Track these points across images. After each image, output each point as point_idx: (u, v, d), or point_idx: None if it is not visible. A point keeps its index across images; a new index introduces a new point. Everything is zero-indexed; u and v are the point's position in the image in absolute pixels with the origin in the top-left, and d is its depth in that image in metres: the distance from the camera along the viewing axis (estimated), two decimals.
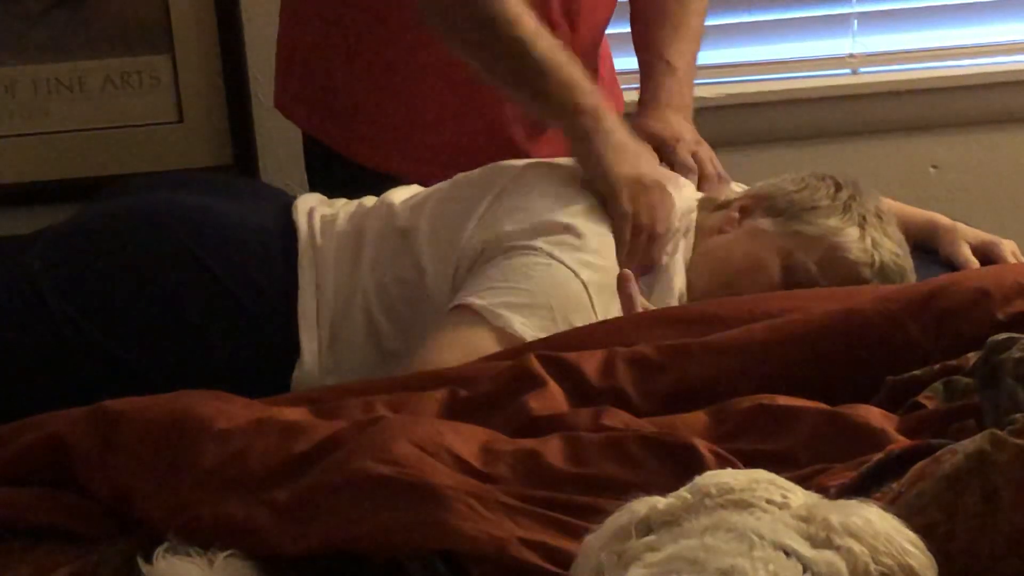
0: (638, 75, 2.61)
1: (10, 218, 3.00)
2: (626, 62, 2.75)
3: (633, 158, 2.26)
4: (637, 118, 2.54)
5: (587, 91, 2.28)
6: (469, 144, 2.50)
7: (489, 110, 2.45)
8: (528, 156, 2.43)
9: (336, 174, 2.54)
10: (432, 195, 2.28)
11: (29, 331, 2.16)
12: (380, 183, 2.37)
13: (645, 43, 2.61)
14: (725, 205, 2.32)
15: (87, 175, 3.09)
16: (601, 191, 2.23)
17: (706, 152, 2.47)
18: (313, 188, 2.54)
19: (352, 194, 2.35)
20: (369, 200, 2.31)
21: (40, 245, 2.25)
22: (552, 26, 2.43)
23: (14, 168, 3.14)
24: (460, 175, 2.31)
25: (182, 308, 2.17)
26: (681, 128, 2.49)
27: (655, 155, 2.35)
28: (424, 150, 2.53)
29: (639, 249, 2.22)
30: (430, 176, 2.38)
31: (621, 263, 2.19)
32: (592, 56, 2.60)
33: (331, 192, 2.38)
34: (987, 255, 2.44)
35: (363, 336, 2.18)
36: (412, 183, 2.37)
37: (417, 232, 2.21)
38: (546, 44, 2.29)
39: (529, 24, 2.29)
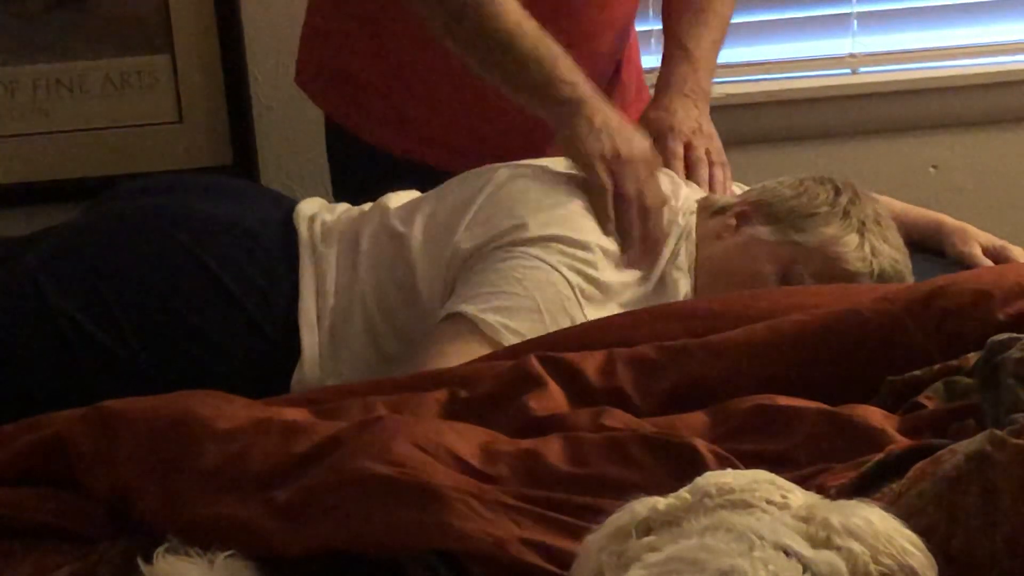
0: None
1: (10, 218, 3.00)
2: (647, 60, 2.76)
3: (614, 136, 2.25)
4: (647, 107, 2.54)
5: (568, 79, 2.28)
6: (485, 129, 2.51)
7: (501, 106, 2.45)
8: (542, 143, 2.43)
9: (354, 157, 2.55)
10: (425, 200, 2.28)
11: (30, 331, 2.16)
12: (397, 166, 2.38)
13: (669, 32, 2.61)
14: (722, 210, 2.30)
15: (87, 175, 3.10)
16: (582, 170, 2.24)
17: (701, 141, 2.45)
18: (333, 171, 2.53)
19: (369, 176, 2.36)
20: (368, 206, 2.32)
21: (42, 246, 2.25)
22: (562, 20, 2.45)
23: (14, 168, 3.14)
24: (451, 179, 2.31)
25: (184, 310, 2.17)
26: (684, 116, 2.47)
27: (647, 138, 2.33)
28: (441, 134, 2.54)
29: (632, 224, 2.21)
30: (446, 161, 2.39)
31: (624, 246, 2.19)
32: (613, 51, 2.60)
33: (349, 175, 2.38)
34: (997, 259, 2.43)
35: (363, 339, 2.18)
36: (428, 167, 2.38)
37: (410, 237, 2.21)
38: (529, 32, 2.28)
39: (512, 14, 2.29)
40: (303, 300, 2.19)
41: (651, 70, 2.77)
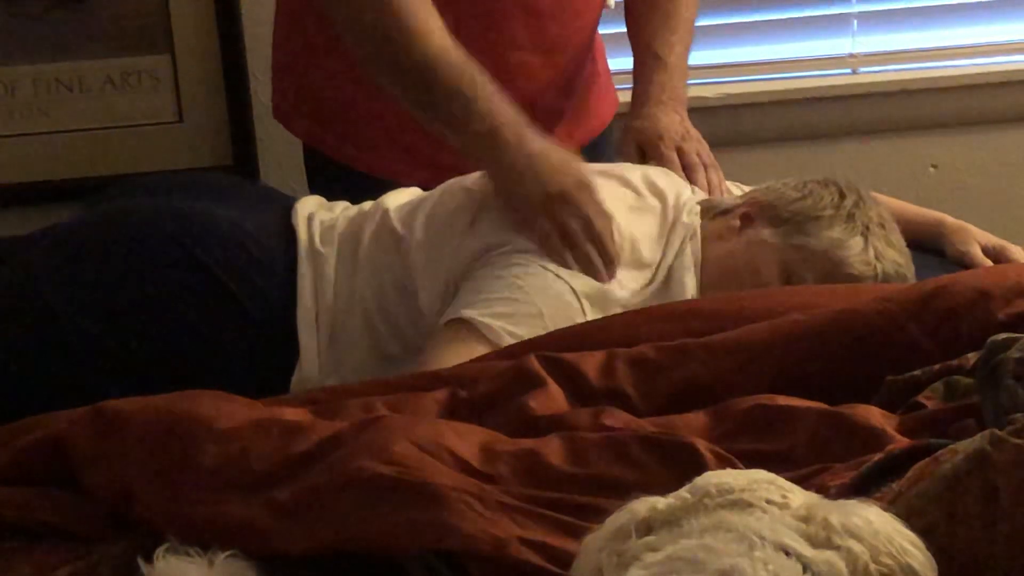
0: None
1: (10, 218, 3.00)
2: (621, 62, 2.75)
3: (539, 172, 2.19)
4: (627, 117, 2.54)
5: (486, 110, 2.21)
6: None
7: None
8: None
9: (337, 183, 2.54)
10: (425, 201, 2.28)
11: (30, 331, 2.16)
12: (381, 189, 2.37)
13: (636, 36, 2.61)
14: (726, 212, 2.30)
15: (87, 175, 3.09)
16: (518, 220, 2.18)
17: (692, 145, 2.45)
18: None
19: (354, 201, 2.35)
20: (368, 205, 2.31)
21: (42, 246, 2.25)
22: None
23: (14, 168, 3.14)
24: (452, 180, 2.31)
25: (183, 310, 2.17)
26: (668, 123, 2.48)
27: (574, 157, 2.28)
28: (423, 155, 2.52)
29: (588, 255, 2.16)
30: (429, 181, 2.37)
31: (587, 273, 2.16)
32: (584, 55, 2.60)
33: (332, 200, 2.37)
34: (997, 259, 2.43)
35: (362, 339, 2.19)
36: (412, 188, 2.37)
37: (410, 240, 2.21)
38: (452, 62, 2.22)
39: (433, 45, 2.22)
40: (301, 300, 2.19)
41: (617, 72, 2.77)
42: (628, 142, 2.49)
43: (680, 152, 2.44)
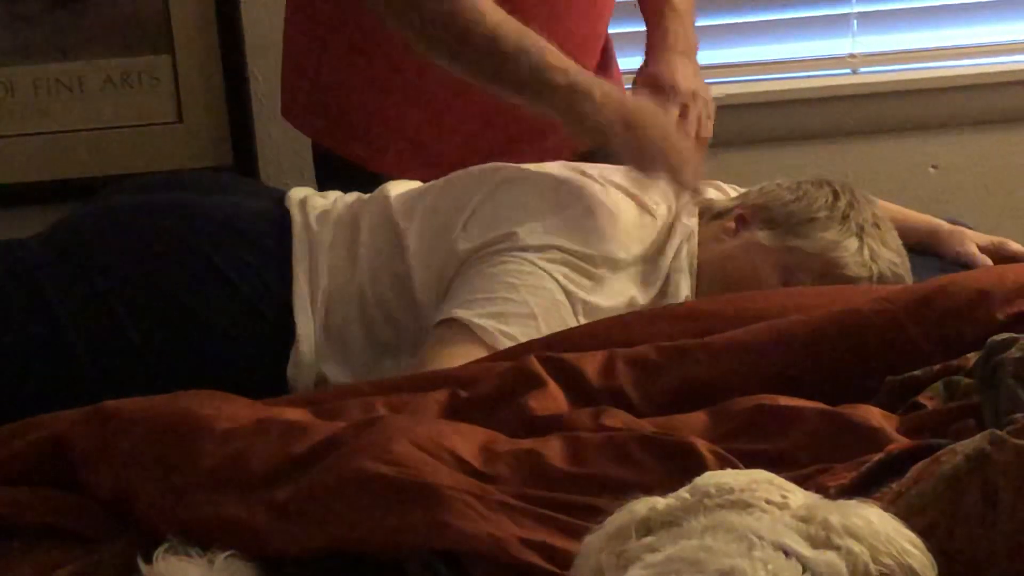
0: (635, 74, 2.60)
1: (10, 218, 3.00)
2: (629, 62, 2.75)
3: (620, 105, 2.25)
4: (643, 65, 2.53)
5: (558, 65, 2.25)
6: (481, 149, 2.50)
7: (502, 115, 2.44)
8: (551, 151, 2.42)
9: (347, 182, 2.54)
10: (426, 192, 2.28)
11: (30, 329, 2.16)
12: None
13: None
14: (721, 214, 2.30)
15: (87, 175, 3.10)
16: (598, 141, 2.24)
17: (696, 109, 2.44)
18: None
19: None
20: (367, 194, 2.32)
21: (39, 245, 2.25)
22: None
23: (14, 168, 3.14)
24: (455, 174, 2.31)
25: (180, 293, 2.17)
26: (684, 75, 2.46)
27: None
28: (435, 156, 2.52)
29: (676, 166, 2.22)
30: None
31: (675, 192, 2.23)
32: (597, 50, 2.61)
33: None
34: (996, 254, 2.43)
35: (356, 325, 2.19)
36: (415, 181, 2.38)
37: (409, 230, 2.21)
38: (511, 31, 2.26)
39: (494, 16, 2.27)
40: (296, 280, 2.20)
41: (626, 72, 2.77)
42: (641, 86, 2.47)
43: (681, 113, 2.42)
